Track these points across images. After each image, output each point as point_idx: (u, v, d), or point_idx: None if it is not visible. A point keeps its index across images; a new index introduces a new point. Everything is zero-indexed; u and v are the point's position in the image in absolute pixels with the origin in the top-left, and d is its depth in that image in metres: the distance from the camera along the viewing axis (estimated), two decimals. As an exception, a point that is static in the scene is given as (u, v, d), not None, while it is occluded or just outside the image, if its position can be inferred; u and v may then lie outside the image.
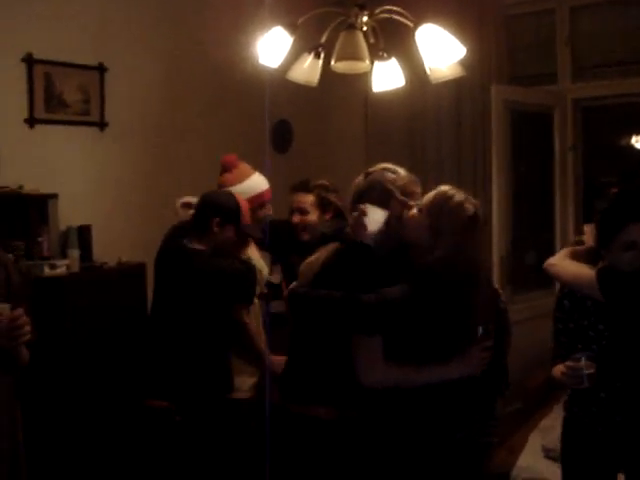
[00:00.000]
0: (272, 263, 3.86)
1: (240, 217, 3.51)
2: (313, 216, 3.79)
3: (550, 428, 4.21)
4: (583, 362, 2.64)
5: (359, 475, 2.65)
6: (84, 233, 4.24)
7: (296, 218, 3.80)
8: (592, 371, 2.63)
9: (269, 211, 3.84)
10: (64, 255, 4.13)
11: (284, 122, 5.88)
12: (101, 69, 4.56)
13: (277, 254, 3.87)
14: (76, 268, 4.04)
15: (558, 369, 2.80)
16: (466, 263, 2.57)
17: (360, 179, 2.87)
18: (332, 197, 3.79)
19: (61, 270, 3.92)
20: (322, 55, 3.32)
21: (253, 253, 3.82)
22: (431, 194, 2.66)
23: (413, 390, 2.56)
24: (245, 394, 3.63)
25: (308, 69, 3.35)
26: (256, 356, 3.63)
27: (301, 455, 2.84)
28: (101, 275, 4.19)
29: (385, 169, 2.87)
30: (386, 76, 3.49)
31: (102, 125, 4.58)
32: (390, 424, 2.60)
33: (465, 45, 3.14)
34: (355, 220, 2.60)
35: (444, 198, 2.62)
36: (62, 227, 4.24)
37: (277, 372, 3.18)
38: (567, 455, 2.98)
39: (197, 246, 3.45)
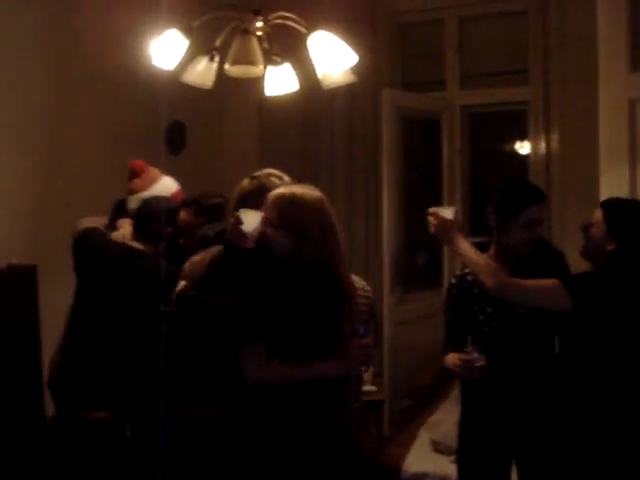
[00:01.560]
0: None
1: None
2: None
3: (438, 423, 4.37)
4: (475, 355, 2.78)
5: (249, 468, 2.70)
6: (-28, 234, 4.14)
7: (182, 241, 3.70)
8: (483, 363, 2.77)
9: None
10: (-50, 257, 4.02)
11: (178, 124, 5.87)
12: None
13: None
14: (-36, 270, 3.94)
15: (450, 359, 2.92)
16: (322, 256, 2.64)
17: (245, 182, 2.92)
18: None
19: (-52, 272, 3.83)
20: (217, 58, 3.36)
21: None
22: (271, 198, 2.66)
23: (295, 385, 2.61)
24: None
25: (203, 72, 3.39)
26: None
27: (192, 455, 2.87)
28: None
29: (271, 174, 2.93)
30: (279, 81, 3.55)
31: (-9, 124, 4.47)
32: (274, 418, 2.63)
33: (358, 52, 3.23)
34: (232, 228, 2.57)
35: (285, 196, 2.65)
36: (-52, 229, 4.13)
37: None
38: (464, 449, 3.07)
39: (142, 247, 3.44)
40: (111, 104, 5.20)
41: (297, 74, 3.59)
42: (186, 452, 2.91)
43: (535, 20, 5.50)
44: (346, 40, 3.22)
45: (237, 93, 5.46)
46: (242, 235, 2.53)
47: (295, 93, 3.65)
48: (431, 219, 3.07)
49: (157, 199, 3.63)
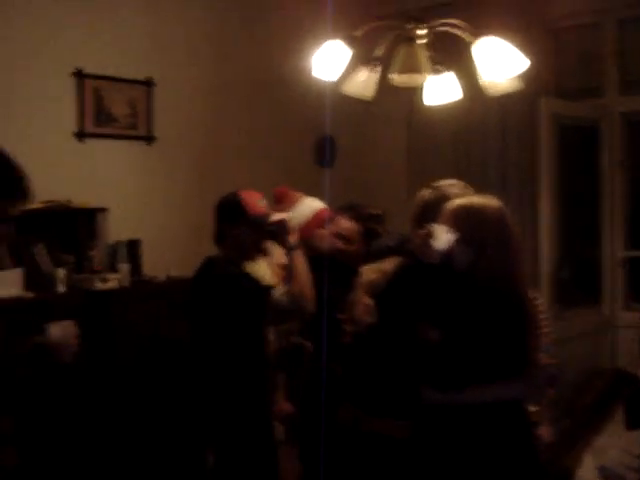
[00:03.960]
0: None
1: (245, 211, 3.30)
2: (357, 246, 3.52)
3: (605, 447, 4.14)
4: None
5: None
6: (133, 247, 4.25)
7: (340, 245, 3.54)
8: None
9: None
10: (112, 269, 4.13)
11: (328, 137, 5.86)
12: (149, 84, 4.58)
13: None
14: (126, 282, 4.05)
15: None
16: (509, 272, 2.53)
17: (426, 192, 2.86)
18: (380, 229, 3.57)
19: (112, 284, 3.93)
20: (378, 69, 3.30)
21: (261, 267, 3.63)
22: (449, 209, 2.59)
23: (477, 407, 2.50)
24: None
25: (364, 83, 3.32)
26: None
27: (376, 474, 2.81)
28: (151, 289, 4.19)
29: (452, 185, 2.87)
30: (439, 89, 3.46)
31: (150, 139, 4.60)
32: (459, 440, 2.53)
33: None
34: (421, 240, 2.49)
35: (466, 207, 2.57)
36: (110, 241, 4.25)
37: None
38: None
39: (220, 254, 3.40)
40: (266, 118, 5.27)
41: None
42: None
43: (700, 20, 5.18)
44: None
45: (386, 105, 5.39)
46: (429, 249, 2.45)
47: (446, 104, 3.55)
48: None
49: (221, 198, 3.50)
